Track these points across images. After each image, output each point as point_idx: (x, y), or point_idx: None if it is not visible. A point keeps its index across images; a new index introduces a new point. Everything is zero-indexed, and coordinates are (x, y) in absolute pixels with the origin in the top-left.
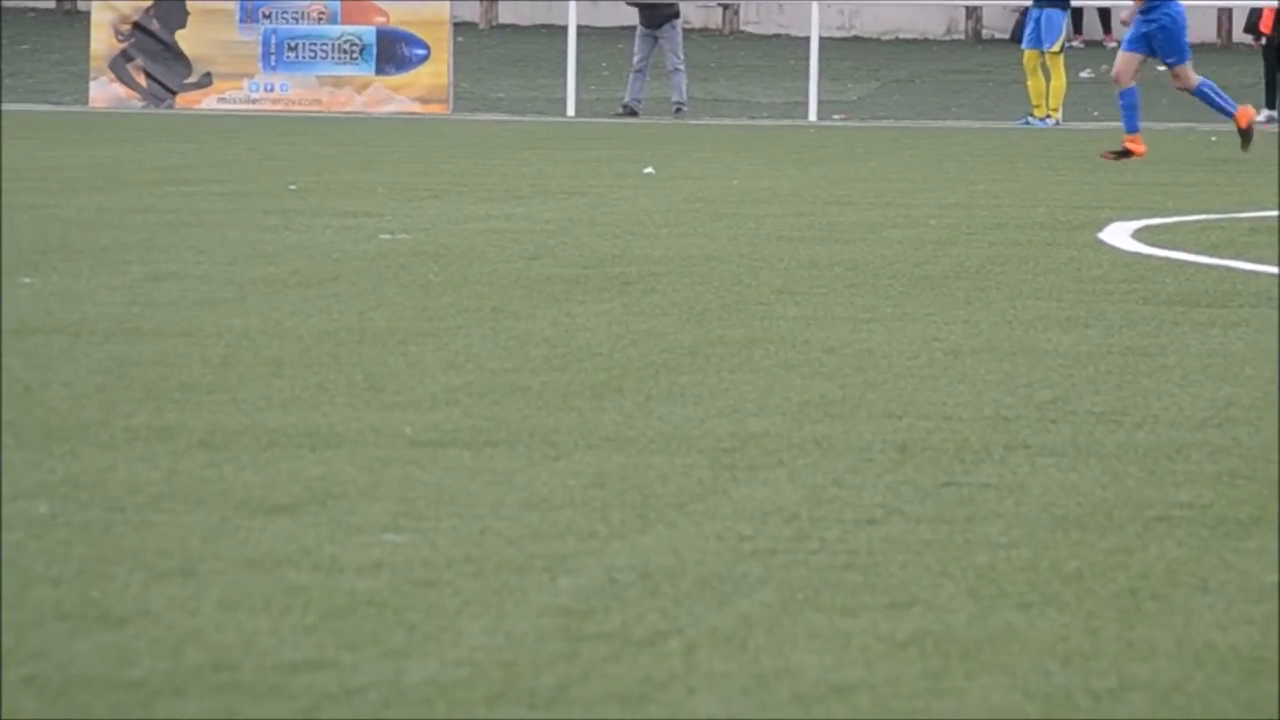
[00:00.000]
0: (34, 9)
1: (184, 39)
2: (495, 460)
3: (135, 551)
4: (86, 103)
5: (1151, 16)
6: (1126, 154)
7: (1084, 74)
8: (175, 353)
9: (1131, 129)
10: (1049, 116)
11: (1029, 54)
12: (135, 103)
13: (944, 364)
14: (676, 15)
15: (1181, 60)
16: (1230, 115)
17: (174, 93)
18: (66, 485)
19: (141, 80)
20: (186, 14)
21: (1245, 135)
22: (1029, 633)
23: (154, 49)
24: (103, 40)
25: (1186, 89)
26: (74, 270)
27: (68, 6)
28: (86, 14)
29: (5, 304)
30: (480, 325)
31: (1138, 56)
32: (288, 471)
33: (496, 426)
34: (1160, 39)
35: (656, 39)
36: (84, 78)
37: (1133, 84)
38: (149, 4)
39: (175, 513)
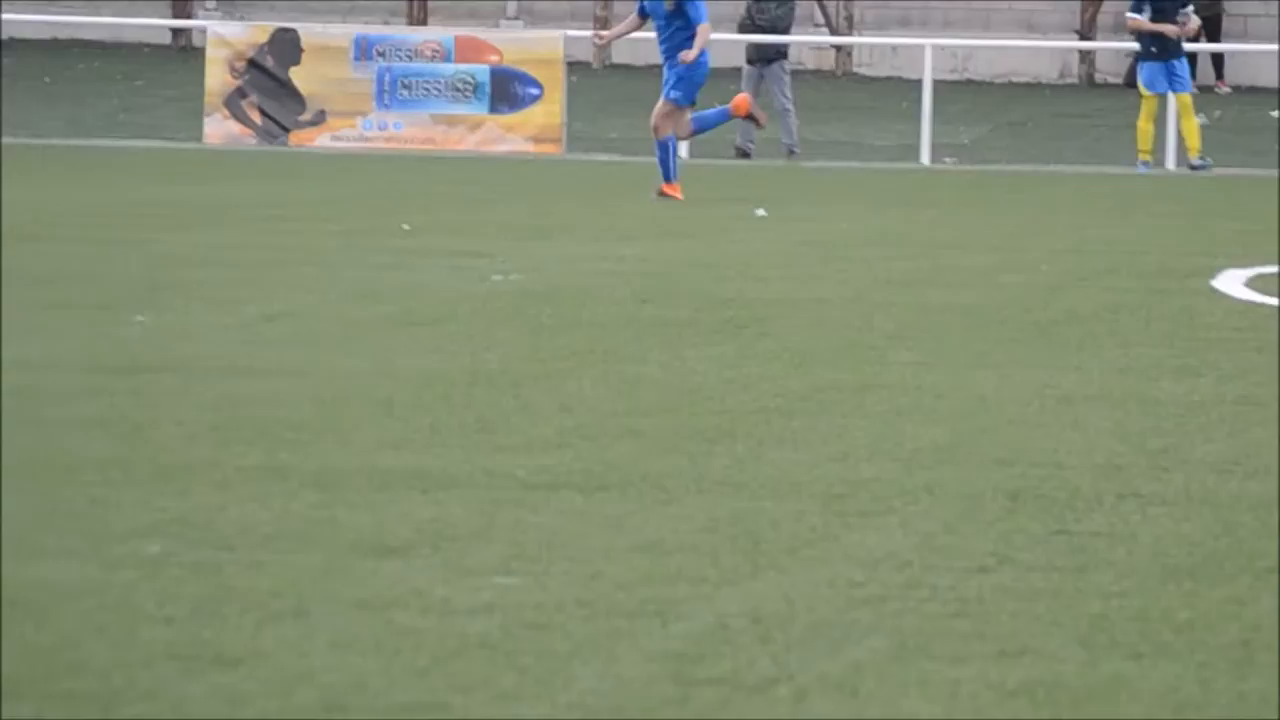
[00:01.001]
0: (149, 45)
1: (298, 76)
2: (607, 504)
3: (247, 592)
4: (201, 140)
5: None
6: None
7: (1199, 120)
8: (287, 392)
9: None
10: (1147, 161)
11: (1153, 98)
12: (249, 140)
13: (1056, 411)
14: (784, 55)
15: None
16: None
17: (288, 130)
18: (178, 525)
19: (256, 117)
20: (301, 51)
21: None
22: (1140, 683)
23: (268, 86)
24: (217, 77)
25: None
26: (186, 308)
27: (183, 43)
28: (202, 51)
29: (119, 341)
30: (592, 368)
31: None
32: (399, 513)
33: (608, 470)
34: None
35: (763, 77)
36: (199, 114)
37: None
38: (264, 41)
39: (287, 553)
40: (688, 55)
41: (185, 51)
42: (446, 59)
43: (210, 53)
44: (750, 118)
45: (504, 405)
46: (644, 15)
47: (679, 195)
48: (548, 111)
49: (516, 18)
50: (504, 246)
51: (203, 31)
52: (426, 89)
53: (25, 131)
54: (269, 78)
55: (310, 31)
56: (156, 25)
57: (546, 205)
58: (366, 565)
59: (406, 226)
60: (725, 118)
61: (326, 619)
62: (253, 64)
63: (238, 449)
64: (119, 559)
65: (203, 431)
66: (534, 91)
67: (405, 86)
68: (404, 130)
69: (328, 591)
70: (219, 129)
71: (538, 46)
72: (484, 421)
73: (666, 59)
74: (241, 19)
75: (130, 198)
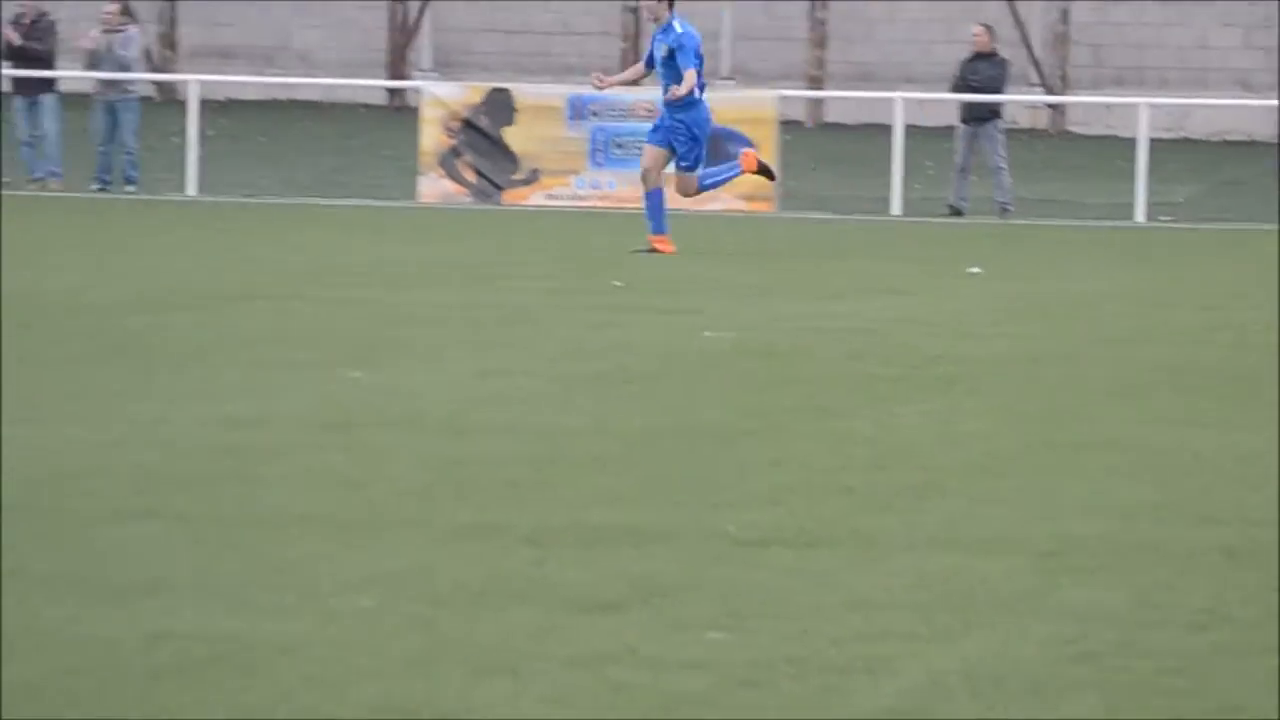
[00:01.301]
0: (366, 105)
1: (512, 136)
2: (817, 560)
3: (459, 647)
4: (415, 198)
5: None
6: None
7: None
8: (500, 449)
9: None
10: None
11: None
12: (463, 198)
13: (1272, 469)
14: (998, 114)
15: None
16: None
17: (501, 189)
18: (391, 579)
19: (470, 176)
20: (515, 111)
21: None
22: None
23: (483, 145)
24: (432, 136)
25: None
26: (402, 366)
27: (399, 103)
28: (417, 111)
29: (334, 398)
30: (804, 424)
31: None
32: (611, 569)
33: (819, 526)
34: None
35: (977, 136)
36: (414, 174)
37: None
38: (478, 101)
39: (499, 609)
40: (677, 91)
41: (401, 112)
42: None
43: (426, 113)
44: (764, 170)
45: (715, 461)
46: (650, 65)
47: (670, 249)
48: None
49: (730, 77)
50: (716, 303)
51: (418, 92)
52: (639, 148)
53: (241, 190)
54: (483, 137)
55: (524, 91)
56: (373, 86)
57: (759, 263)
58: (579, 621)
59: (619, 283)
60: (734, 173)
61: (538, 675)
62: (467, 124)
63: (451, 505)
64: (333, 613)
65: (416, 487)
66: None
67: (618, 145)
68: (617, 189)
69: (540, 648)
70: (434, 188)
71: (750, 105)
72: (696, 478)
73: (665, 103)
74: (456, 80)
75: (345, 256)
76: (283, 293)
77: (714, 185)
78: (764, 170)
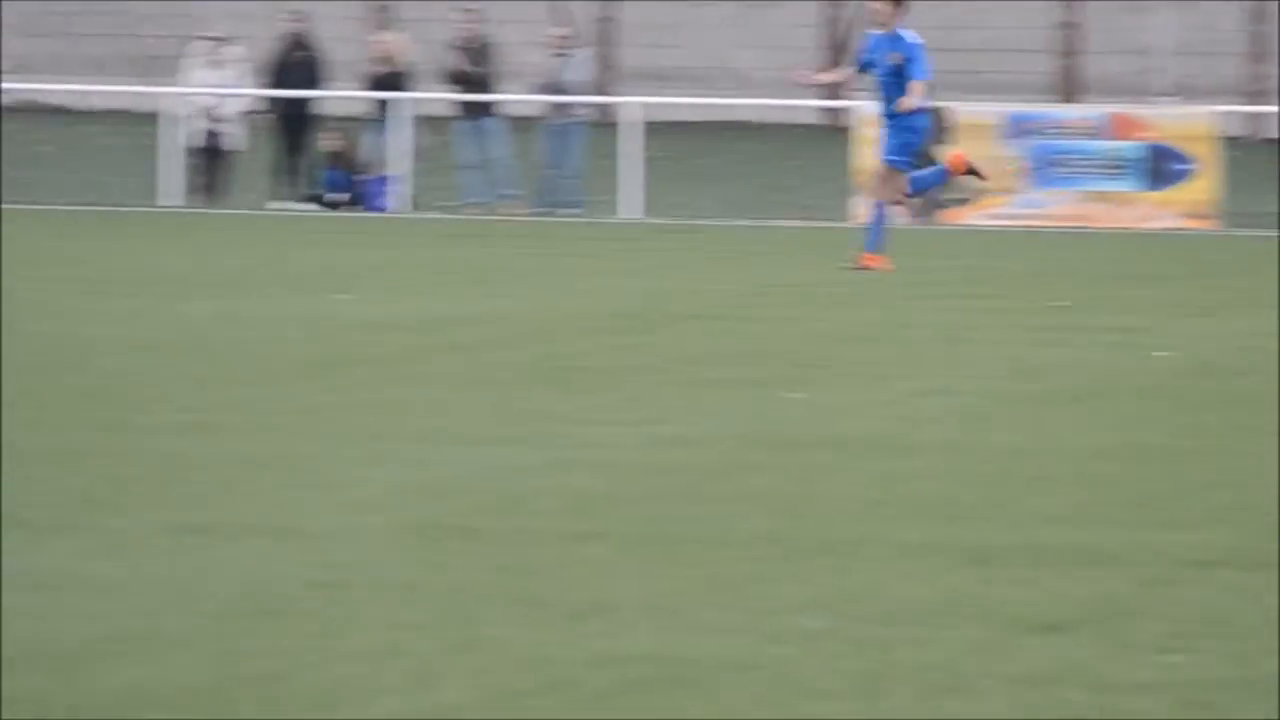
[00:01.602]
0: (801, 125)
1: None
2: (1264, 581)
3: (909, 668)
4: (850, 218)
5: None
6: None
7: None
8: (944, 468)
9: None
10: None
11: None
12: (901, 217)
13: None
14: None
15: None
16: None
17: (939, 208)
18: (840, 600)
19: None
20: (952, 130)
21: None
22: None
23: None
24: (867, 156)
25: None
26: (842, 385)
27: (833, 123)
28: (852, 130)
29: (777, 418)
30: (1248, 444)
31: None
32: (1058, 589)
33: (1265, 547)
34: None
35: None
36: (849, 193)
37: None
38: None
39: (947, 629)
40: (908, 102)
41: (836, 131)
42: (1099, 136)
43: (860, 132)
44: (972, 172)
45: (1161, 481)
46: (863, 69)
47: (883, 266)
48: (1202, 187)
49: (1170, 93)
50: (1161, 323)
51: (853, 112)
52: (1078, 166)
53: (685, 213)
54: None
55: (962, 110)
56: (808, 106)
57: (1203, 282)
58: (1026, 641)
59: (1063, 303)
60: (944, 178)
61: (988, 694)
62: None
63: (897, 524)
64: (779, 633)
65: (862, 507)
66: (1188, 167)
67: (1058, 164)
68: (1055, 208)
69: (989, 667)
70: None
71: (1190, 122)
72: (1142, 497)
73: (887, 115)
74: None
75: (782, 276)
76: (722, 312)
77: (924, 189)
78: (972, 171)
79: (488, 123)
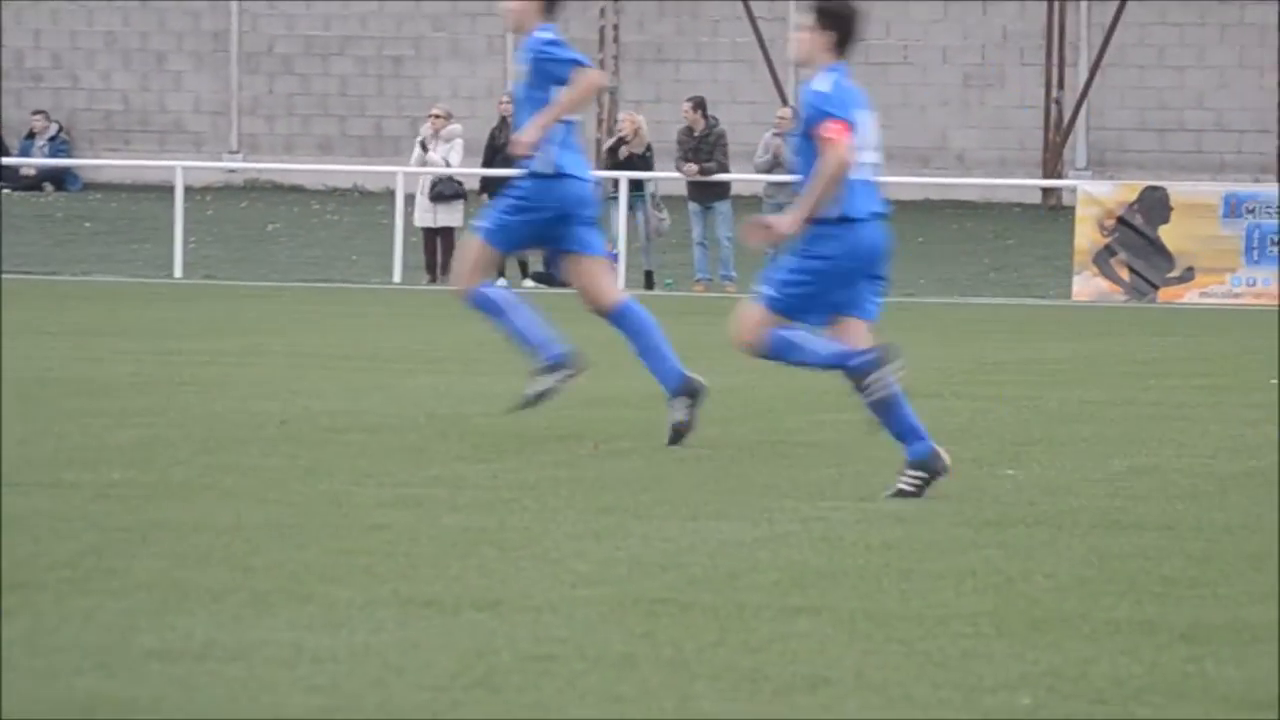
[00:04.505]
0: (1020, 205)
1: (1167, 234)
2: None
3: None
4: (1070, 297)
5: None
6: None
7: None
8: (1156, 545)
9: None
10: None
11: None
12: (1117, 297)
13: None
14: None
15: None
16: None
17: (1156, 287)
18: (1049, 677)
19: (1124, 275)
20: (1170, 209)
21: None
22: None
23: (1137, 244)
24: (1087, 235)
25: None
26: (1056, 462)
27: (1053, 202)
28: (1072, 210)
29: (990, 495)
30: None
31: None
32: (1269, 668)
33: None
34: None
35: None
36: (1068, 272)
37: None
38: (1133, 200)
39: (1157, 707)
40: None
41: (1055, 210)
42: None
43: (1080, 211)
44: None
45: None
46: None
47: None
48: None
49: None
50: None
51: (1073, 191)
52: None
53: (899, 290)
54: (1138, 235)
55: (1179, 190)
56: (1027, 185)
57: None
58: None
59: (1276, 381)
60: None
61: None
62: (1122, 222)
63: (1107, 601)
64: (990, 710)
65: (1072, 584)
66: None
67: (1275, 243)
68: (1273, 286)
69: None
70: (1088, 286)
71: None
72: None
73: None
74: (1111, 178)
75: (1000, 354)
76: (940, 390)
77: None
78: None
79: (719, 206)
